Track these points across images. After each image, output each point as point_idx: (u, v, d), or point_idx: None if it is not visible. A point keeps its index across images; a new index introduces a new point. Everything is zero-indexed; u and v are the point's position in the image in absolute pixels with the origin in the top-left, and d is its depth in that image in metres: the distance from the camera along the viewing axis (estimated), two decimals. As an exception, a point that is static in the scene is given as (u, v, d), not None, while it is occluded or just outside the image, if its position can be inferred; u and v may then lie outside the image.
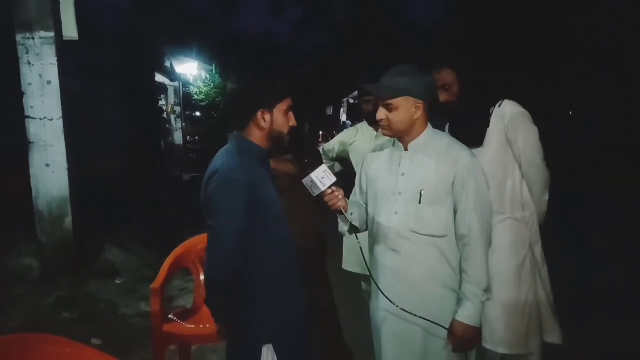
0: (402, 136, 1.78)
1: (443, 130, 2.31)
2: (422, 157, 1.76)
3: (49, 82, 4.26)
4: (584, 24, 12.66)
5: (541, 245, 2.35)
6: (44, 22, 4.23)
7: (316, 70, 22.52)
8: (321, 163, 2.60)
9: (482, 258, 1.72)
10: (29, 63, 4.24)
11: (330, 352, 2.46)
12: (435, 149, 1.76)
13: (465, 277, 1.72)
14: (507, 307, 2.21)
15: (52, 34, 4.23)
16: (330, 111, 27.15)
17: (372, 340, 1.92)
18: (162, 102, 11.21)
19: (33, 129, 4.27)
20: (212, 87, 13.11)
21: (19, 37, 4.21)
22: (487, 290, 1.73)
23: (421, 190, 1.72)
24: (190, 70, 12.41)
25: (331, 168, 3.19)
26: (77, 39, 4.50)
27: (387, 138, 1.90)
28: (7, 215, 4.57)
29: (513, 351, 2.23)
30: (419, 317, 1.71)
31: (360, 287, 3.08)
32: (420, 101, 1.73)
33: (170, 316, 2.67)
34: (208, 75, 13.27)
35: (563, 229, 5.34)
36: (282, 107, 1.61)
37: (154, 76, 9.55)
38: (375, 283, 1.80)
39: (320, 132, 18.45)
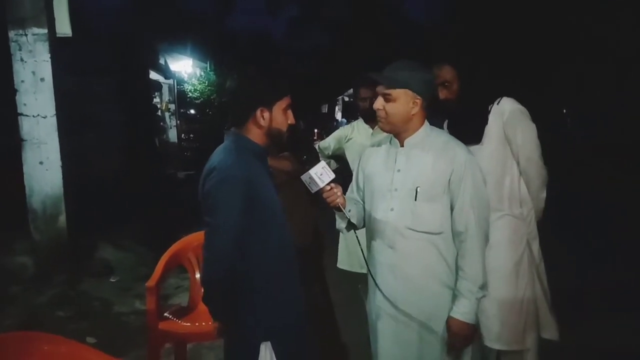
0: (398, 131, 1.79)
1: (441, 128, 2.32)
2: (418, 154, 1.76)
3: (42, 80, 4.23)
4: (579, 22, 12.72)
5: (538, 242, 2.36)
6: (37, 18, 4.19)
7: (311, 68, 22.50)
8: (318, 160, 2.60)
9: (478, 255, 1.72)
10: (21, 60, 4.20)
11: (326, 350, 2.46)
12: (431, 146, 1.76)
13: (462, 274, 1.72)
14: (504, 304, 2.22)
15: (45, 31, 4.20)
16: (325, 109, 27.15)
17: (369, 338, 1.92)
18: (156, 100, 11.16)
19: (26, 126, 4.24)
20: (206, 84, 13.07)
21: (11, 34, 4.18)
22: (483, 287, 1.74)
23: (417, 187, 1.72)
24: (185, 67, 12.36)
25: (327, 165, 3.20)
26: (70, 35, 4.47)
27: (384, 135, 1.90)
28: (1, 214, 4.54)
29: (510, 347, 2.24)
30: (415, 318, 1.72)
31: (356, 285, 3.09)
32: (419, 97, 1.73)
33: (165, 314, 2.66)
34: (202, 73, 13.23)
35: (560, 228, 5.38)
36: (281, 105, 1.61)
37: (148, 73, 9.50)
38: (373, 279, 1.80)
39: (315, 130, 18.44)
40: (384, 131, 1.84)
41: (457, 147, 1.78)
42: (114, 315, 3.88)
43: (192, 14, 13.98)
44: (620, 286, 4.04)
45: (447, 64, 2.29)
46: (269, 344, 1.53)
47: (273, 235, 1.58)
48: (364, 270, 1.98)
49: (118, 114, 6.84)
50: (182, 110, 13.34)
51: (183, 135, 12.93)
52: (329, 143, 3.20)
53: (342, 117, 23.28)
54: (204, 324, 2.55)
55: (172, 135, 12.02)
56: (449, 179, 1.72)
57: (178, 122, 12.28)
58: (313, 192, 1.71)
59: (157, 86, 11.18)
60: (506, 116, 2.25)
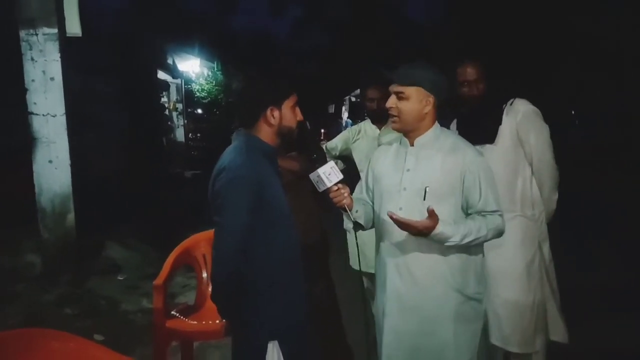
0: (409, 130, 1.79)
1: (448, 128, 2.32)
2: (428, 154, 1.77)
3: (52, 79, 4.26)
4: (580, 24, 12.67)
5: (549, 243, 2.36)
6: (48, 18, 4.23)
7: (318, 68, 22.51)
8: (326, 160, 2.60)
9: (499, 222, 1.71)
10: (32, 59, 4.24)
11: (331, 351, 2.46)
12: (441, 146, 1.77)
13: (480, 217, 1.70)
14: (515, 305, 2.23)
15: (55, 31, 4.23)
16: (332, 109, 27.14)
17: (374, 338, 1.92)
18: (164, 99, 11.22)
19: (36, 125, 4.27)
20: (214, 84, 13.11)
21: (22, 34, 4.21)
22: (485, 236, 1.69)
23: (426, 187, 1.72)
24: (193, 67, 12.40)
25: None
26: (80, 35, 4.50)
27: (392, 136, 1.90)
28: (9, 212, 4.58)
29: (522, 349, 2.24)
30: (420, 318, 1.71)
31: (362, 285, 3.08)
32: (432, 96, 1.74)
33: (172, 312, 2.68)
34: (210, 73, 13.27)
35: (560, 228, 5.33)
36: (289, 103, 1.62)
37: (156, 73, 9.55)
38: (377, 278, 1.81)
39: (322, 130, 18.44)
40: (396, 130, 1.84)
41: (466, 148, 1.79)
42: (121, 313, 3.90)
43: (199, 14, 14.04)
44: (620, 286, 4.03)
45: (471, 63, 2.30)
46: (276, 342, 1.53)
47: (280, 235, 1.59)
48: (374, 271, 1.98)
49: (125, 113, 6.88)
50: (189, 110, 13.38)
51: (190, 134, 12.97)
52: (336, 143, 3.21)
53: (348, 117, 23.27)
54: (210, 322, 2.56)
55: (180, 134, 12.07)
56: (462, 179, 1.72)
57: (185, 121, 12.33)
58: (320, 191, 1.71)
59: (165, 86, 11.24)
60: (520, 117, 2.26)
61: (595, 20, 12.38)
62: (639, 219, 5.95)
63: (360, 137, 3.15)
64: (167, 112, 11.39)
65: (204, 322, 2.59)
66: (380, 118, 3.03)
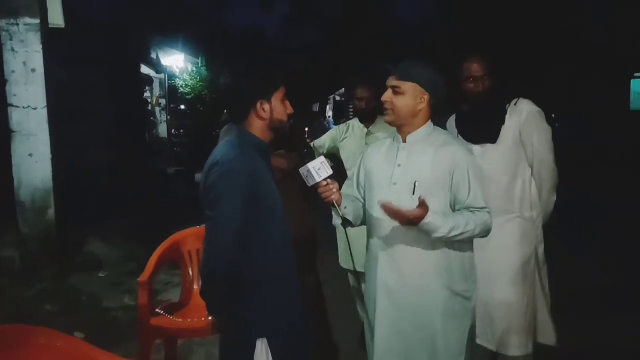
0: (402, 124, 1.81)
1: (444, 124, 2.33)
2: (419, 150, 1.79)
3: (33, 70, 4.17)
4: (570, 25, 12.93)
5: (544, 246, 2.35)
6: (30, 8, 4.13)
7: (303, 67, 22.47)
8: (314, 156, 2.61)
9: (486, 219, 1.72)
10: (12, 50, 4.14)
11: (317, 347, 2.47)
12: (433, 143, 1.79)
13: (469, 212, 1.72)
14: (511, 307, 2.21)
15: (37, 21, 4.14)
16: (316, 108, 27.13)
17: (358, 336, 1.93)
18: (147, 94, 11.06)
19: (16, 117, 4.17)
20: (198, 80, 12.97)
21: (2, 23, 4.11)
22: (473, 231, 1.69)
23: (415, 182, 1.74)
24: (177, 62, 12.26)
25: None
26: (63, 26, 4.41)
27: (383, 135, 1.91)
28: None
29: (517, 352, 2.23)
30: (411, 313, 1.73)
31: (348, 283, 3.10)
32: (427, 93, 1.76)
33: (157, 310, 2.65)
34: (194, 68, 13.13)
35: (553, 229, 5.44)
36: (279, 95, 1.61)
37: (139, 67, 9.40)
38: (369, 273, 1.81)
39: (307, 129, 18.43)
40: (388, 122, 1.85)
41: (457, 145, 1.82)
42: (103, 310, 3.84)
43: (184, 8, 13.87)
44: (617, 286, 4.08)
45: (479, 58, 2.29)
46: (265, 340, 1.52)
47: (274, 230, 1.58)
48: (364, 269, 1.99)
49: (108, 107, 6.76)
50: (172, 106, 13.23)
51: (173, 130, 12.82)
52: (324, 142, 3.21)
53: (332, 116, 23.28)
54: (196, 320, 2.54)
55: (163, 130, 11.91)
56: (451, 176, 1.74)
57: (168, 117, 12.17)
58: (309, 185, 1.72)
59: (148, 80, 11.08)
60: (524, 117, 2.24)
61: (583, 22, 12.68)
62: (625, 217, 6.09)
63: (348, 136, 3.17)
64: (150, 107, 11.23)
65: (189, 320, 2.56)
66: (369, 117, 3.05)
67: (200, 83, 12.92)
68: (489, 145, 2.24)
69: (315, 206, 1.95)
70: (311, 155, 2.54)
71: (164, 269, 4.34)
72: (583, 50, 13.12)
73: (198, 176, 4.66)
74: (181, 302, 2.81)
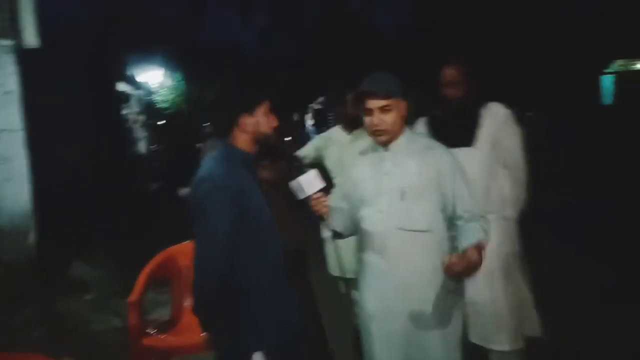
0: (389, 140, 1.83)
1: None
2: (403, 156, 1.82)
3: (7, 93, 4.10)
4: (544, 26, 13.28)
5: (519, 241, 2.43)
6: (3, 29, 4.07)
7: (283, 77, 22.51)
8: (300, 169, 2.61)
9: (484, 228, 1.79)
10: (-14, 72, 4.07)
11: (315, 357, 2.45)
12: (416, 148, 1.83)
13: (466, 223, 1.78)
14: (499, 304, 2.29)
15: (11, 42, 4.08)
16: (296, 117, 27.15)
17: (352, 342, 1.93)
18: (125, 111, 10.94)
19: (-8, 141, 4.09)
20: (177, 95, 12.88)
21: (-25, 46, 4.04)
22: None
23: (404, 188, 1.76)
24: (154, 78, 12.17)
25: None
26: (37, 47, 4.35)
27: (364, 140, 1.94)
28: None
29: (509, 347, 2.29)
30: (405, 318, 1.74)
31: (338, 292, 3.09)
32: (404, 101, 1.81)
33: (147, 330, 2.61)
34: (173, 83, 13.04)
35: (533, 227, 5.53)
36: (262, 109, 1.63)
37: (116, 85, 9.32)
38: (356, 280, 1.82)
39: (288, 139, 18.43)
40: (383, 142, 1.84)
41: (439, 149, 1.86)
42: (91, 333, 3.76)
43: (161, 24, 13.80)
44: (603, 283, 4.11)
45: (455, 64, 2.37)
46: (261, 354, 1.52)
47: (265, 243, 1.58)
48: (355, 276, 2.00)
49: (87, 127, 6.68)
50: (152, 122, 13.10)
51: (153, 146, 12.69)
52: (307, 152, 3.21)
53: (313, 125, 23.32)
54: (188, 337, 2.51)
55: (142, 147, 11.79)
56: (438, 179, 1.77)
57: (147, 133, 12.05)
58: (300, 199, 1.72)
59: (126, 97, 10.97)
60: (500, 120, 2.34)
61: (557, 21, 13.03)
62: (602, 217, 6.22)
63: (331, 144, 3.17)
64: (128, 124, 11.11)
65: (181, 338, 2.54)
66: (356, 124, 3.06)
67: (179, 98, 12.83)
68: (464, 149, 2.30)
69: (300, 216, 1.97)
70: (300, 168, 2.55)
71: (151, 288, 4.28)
72: (555, 50, 13.48)
73: (182, 191, 4.62)
74: (172, 320, 2.78)
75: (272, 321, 1.57)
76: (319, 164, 3.17)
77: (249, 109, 1.60)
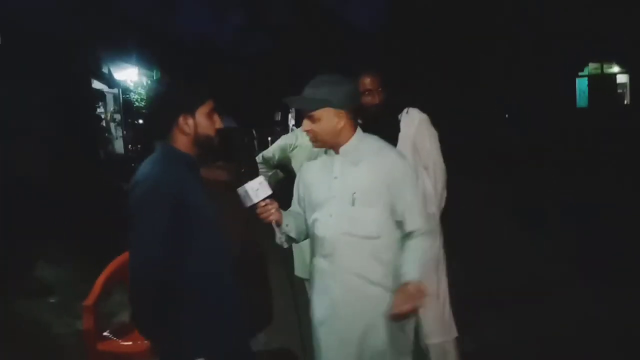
0: (331, 145, 1.82)
1: None
2: (353, 160, 1.79)
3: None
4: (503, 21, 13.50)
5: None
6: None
7: (264, 76, 22.41)
8: (257, 172, 2.57)
9: (423, 251, 1.79)
10: (-56, 69, 3.94)
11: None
12: (365, 152, 1.80)
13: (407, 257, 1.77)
14: (431, 299, 2.40)
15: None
16: (278, 117, 27.06)
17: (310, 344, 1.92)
18: (100, 110, 10.75)
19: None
20: (154, 93, 12.69)
21: None
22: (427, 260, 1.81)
23: (353, 193, 1.75)
24: (130, 76, 11.99)
25: (273, 176, 3.14)
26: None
27: None
28: None
29: (440, 339, 2.47)
30: (356, 322, 1.74)
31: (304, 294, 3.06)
32: (342, 111, 1.75)
33: (105, 333, 2.55)
34: (149, 81, 12.86)
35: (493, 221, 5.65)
36: (204, 110, 1.58)
37: (90, 82, 9.14)
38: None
39: (269, 138, 18.34)
40: (318, 147, 1.86)
41: (391, 153, 1.83)
42: (53, 337, 3.68)
43: (136, 21, 13.60)
44: (548, 275, 4.30)
45: (370, 73, 2.51)
46: (202, 360, 1.49)
47: (209, 247, 1.55)
48: None
49: (57, 125, 6.52)
50: (129, 120, 12.89)
51: (130, 146, 12.49)
52: (272, 153, 3.13)
53: (294, 124, 23.28)
54: (145, 342, 2.46)
55: (119, 146, 11.60)
56: (388, 184, 1.75)
57: (124, 132, 11.86)
58: (247, 206, 1.69)
59: (101, 96, 10.78)
60: (417, 124, 2.52)
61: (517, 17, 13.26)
62: (571, 211, 6.35)
63: (298, 145, 3.11)
64: (103, 123, 10.91)
65: (139, 342, 2.48)
66: None
67: (156, 96, 12.64)
68: None
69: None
70: (250, 173, 2.48)
71: (119, 290, 4.19)
72: (531, 55, 13.72)
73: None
74: (131, 324, 2.71)
75: (215, 326, 1.54)
76: (285, 166, 3.13)
77: (187, 109, 1.55)
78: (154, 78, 12.87)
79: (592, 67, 15.92)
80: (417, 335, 2.26)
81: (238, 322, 1.61)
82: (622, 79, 16.20)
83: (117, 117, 11.58)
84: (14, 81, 5.55)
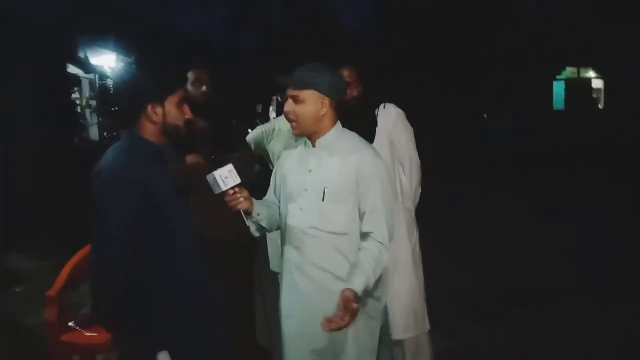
0: (310, 133, 1.81)
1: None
2: (328, 155, 1.79)
3: None
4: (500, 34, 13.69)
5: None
6: None
7: (246, 69, 22.20)
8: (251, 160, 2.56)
9: (377, 257, 1.73)
10: None
11: (246, 352, 2.43)
12: (341, 148, 1.79)
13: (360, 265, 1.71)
14: (408, 293, 2.44)
15: None
16: (259, 109, 26.89)
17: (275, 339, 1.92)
18: (75, 96, 10.49)
19: None
20: (132, 80, 12.44)
21: None
22: (376, 272, 1.71)
23: (324, 188, 1.74)
24: (108, 62, 11.73)
25: (250, 168, 3.12)
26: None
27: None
28: None
29: (412, 333, 2.46)
30: (320, 317, 1.73)
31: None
32: (327, 97, 1.76)
33: (70, 324, 2.50)
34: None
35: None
36: (173, 99, 1.56)
37: (65, 67, 8.89)
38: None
39: (249, 130, 18.23)
40: (296, 135, 1.85)
41: (365, 149, 1.82)
42: (18, 328, 3.60)
43: (115, 6, 13.27)
44: (534, 278, 4.31)
45: (349, 66, 2.48)
46: (166, 353, 1.46)
47: (176, 238, 1.52)
48: None
49: (29, 111, 6.32)
50: (105, 107, 12.62)
51: (106, 133, 12.24)
52: (247, 144, 3.10)
53: (276, 117, 23.15)
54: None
55: (94, 133, 11.37)
56: (357, 181, 1.75)
57: (100, 119, 11.62)
58: (216, 193, 1.68)
59: (76, 81, 10.52)
60: (393, 119, 2.50)
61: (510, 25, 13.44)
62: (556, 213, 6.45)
63: (275, 136, 3.07)
64: (79, 109, 10.66)
65: (104, 334, 2.43)
66: None
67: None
68: None
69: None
70: (222, 162, 2.45)
71: (87, 280, 4.12)
72: (511, 57, 13.95)
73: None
74: (93, 316, 2.66)
75: (182, 319, 1.51)
76: (262, 158, 3.10)
77: (156, 98, 1.52)
78: (132, 64, 12.62)
79: (569, 71, 16.27)
80: (386, 332, 2.27)
81: (207, 315, 1.59)
82: (597, 84, 16.64)
83: (93, 103, 11.33)
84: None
